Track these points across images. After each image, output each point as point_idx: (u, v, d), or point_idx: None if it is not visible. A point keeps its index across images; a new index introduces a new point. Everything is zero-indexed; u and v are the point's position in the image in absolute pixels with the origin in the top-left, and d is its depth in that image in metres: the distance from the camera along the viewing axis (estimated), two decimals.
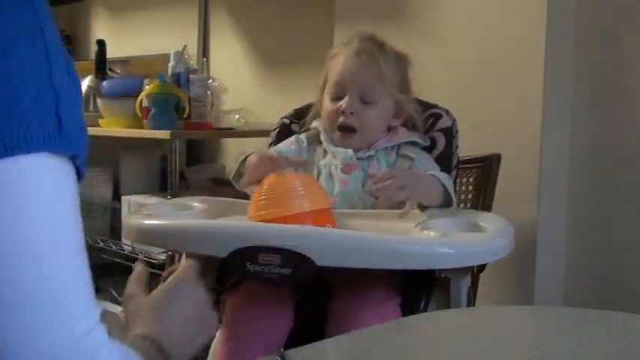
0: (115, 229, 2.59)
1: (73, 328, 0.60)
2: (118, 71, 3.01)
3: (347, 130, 1.39)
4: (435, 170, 1.38)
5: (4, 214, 0.57)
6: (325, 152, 1.42)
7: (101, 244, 2.52)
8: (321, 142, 1.44)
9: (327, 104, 1.42)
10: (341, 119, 1.38)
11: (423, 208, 1.32)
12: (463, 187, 1.66)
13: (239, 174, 1.38)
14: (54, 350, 0.59)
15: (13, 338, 0.57)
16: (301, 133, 1.50)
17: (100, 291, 2.66)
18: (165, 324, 0.84)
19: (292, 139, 1.48)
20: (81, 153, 0.62)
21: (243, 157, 1.39)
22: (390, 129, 1.44)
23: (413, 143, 1.43)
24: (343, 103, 1.38)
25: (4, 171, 0.56)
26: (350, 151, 1.39)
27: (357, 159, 1.39)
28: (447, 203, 1.34)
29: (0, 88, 0.57)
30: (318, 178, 1.41)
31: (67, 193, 0.62)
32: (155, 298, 0.88)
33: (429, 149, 1.45)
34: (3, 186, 0.57)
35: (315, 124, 1.48)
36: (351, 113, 1.38)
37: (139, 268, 0.96)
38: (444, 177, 1.35)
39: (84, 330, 0.61)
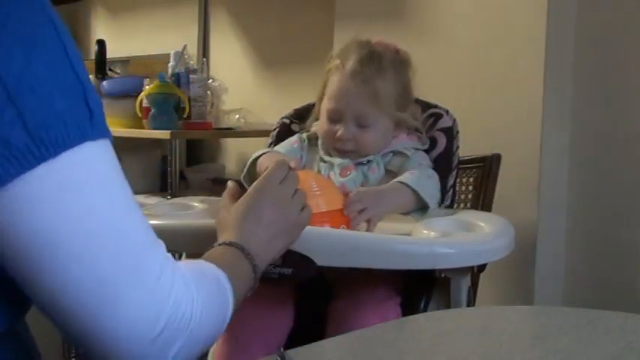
0: None
1: (149, 275, 0.66)
2: (118, 71, 3.02)
3: (345, 151, 1.38)
4: (419, 170, 1.35)
5: (73, 207, 0.62)
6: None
7: None
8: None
9: (324, 124, 1.39)
10: (338, 144, 1.37)
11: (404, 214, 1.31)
12: (463, 187, 1.66)
13: (249, 174, 1.38)
14: (139, 299, 0.64)
15: (99, 305, 0.63)
16: (302, 132, 1.50)
17: None
18: (248, 228, 0.91)
19: (295, 137, 1.47)
20: (110, 134, 0.67)
21: (253, 157, 1.38)
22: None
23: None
24: (339, 129, 1.36)
25: (55, 172, 0.60)
26: (346, 159, 1.38)
27: (357, 164, 1.38)
28: (422, 207, 1.31)
29: (31, 93, 0.59)
30: None
31: (117, 169, 0.67)
32: (239, 205, 0.95)
33: (429, 149, 1.45)
34: (58, 185, 0.61)
35: (314, 128, 1.47)
36: (348, 139, 1.36)
37: (230, 184, 1.04)
38: (418, 181, 1.31)
39: (157, 272, 0.66)
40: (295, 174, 1.00)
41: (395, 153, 1.40)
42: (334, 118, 1.37)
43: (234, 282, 0.79)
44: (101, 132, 0.65)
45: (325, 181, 1.30)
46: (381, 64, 1.36)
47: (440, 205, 1.40)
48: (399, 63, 1.39)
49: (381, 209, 1.25)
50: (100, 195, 0.64)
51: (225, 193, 1.02)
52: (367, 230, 1.22)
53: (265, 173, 0.98)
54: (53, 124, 0.60)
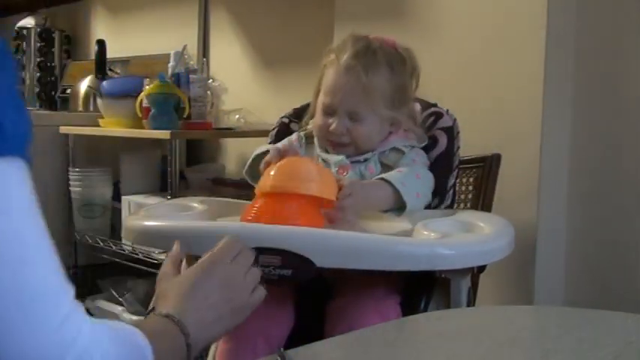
0: (115, 229, 2.59)
1: (49, 320, 0.60)
2: (118, 71, 3.02)
3: (339, 144, 1.38)
4: (408, 168, 1.34)
5: None
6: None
7: (101, 244, 2.52)
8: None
9: (318, 118, 1.40)
10: (332, 137, 1.37)
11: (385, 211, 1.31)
12: (463, 187, 1.66)
13: (252, 170, 1.38)
14: (35, 343, 0.59)
15: None
16: (300, 131, 1.50)
17: (100, 291, 2.66)
18: (191, 306, 0.83)
19: (294, 135, 1.47)
20: (27, 147, 0.61)
21: (256, 153, 1.39)
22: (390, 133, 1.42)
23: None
24: (333, 123, 1.36)
25: None
26: (342, 157, 1.38)
27: (353, 162, 1.38)
28: (401, 206, 1.30)
29: None
30: None
31: (24, 191, 0.61)
32: (184, 278, 0.87)
33: (429, 147, 1.44)
34: None
35: (310, 125, 1.47)
36: (342, 133, 1.36)
37: (174, 248, 0.96)
38: (403, 179, 1.30)
39: (60, 319, 0.61)
40: (250, 251, 0.93)
41: (391, 149, 1.40)
42: (328, 111, 1.37)
43: (159, 355, 0.72)
44: (12, 149, 0.58)
45: (326, 172, 1.30)
46: (376, 59, 1.35)
47: (439, 206, 1.40)
48: (396, 61, 1.38)
49: (362, 202, 1.25)
50: (7, 225, 0.58)
51: (168, 260, 0.94)
52: (344, 220, 1.22)
53: (217, 248, 0.91)
54: None
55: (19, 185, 0.60)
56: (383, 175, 1.32)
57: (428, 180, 1.36)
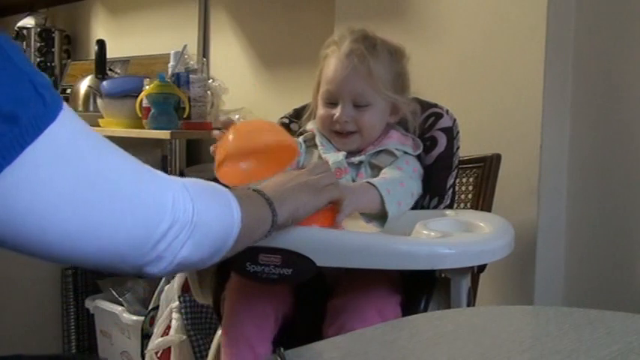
0: None
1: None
2: (118, 71, 3.02)
3: (344, 134, 1.38)
4: (395, 173, 1.35)
5: (74, 169, 0.67)
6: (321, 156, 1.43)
7: None
8: (316, 145, 1.44)
9: (321, 109, 1.40)
10: (337, 127, 1.38)
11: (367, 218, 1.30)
12: (463, 187, 1.66)
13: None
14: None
15: (99, 226, 0.70)
16: (298, 136, 1.50)
17: (100, 291, 2.66)
18: (277, 191, 1.02)
19: None
20: (61, 100, 0.69)
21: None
22: (387, 127, 1.43)
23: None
24: (337, 112, 1.36)
25: (40, 150, 0.64)
26: (341, 156, 1.38)
27: (348, 164, 1.38)
28: (381, 212, 1.29)
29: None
30: None
31: (84, 131, 0.71)
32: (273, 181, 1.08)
33: (429, 148, 1.44)
34: (52, 155, 0.65)
35: (310, 125, 1.47)
36: (346, 121, 1.37)
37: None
38: (387, 185, 1.30)
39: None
40: (332, 173, 1.18)
41: (383, 152, 1.40)
42: (331, 100, 1.38)
43: (244, 205, 0.87)
44: (57, 108, 0.66)
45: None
46: (375, 46, 1.37)
47: (438, 205, 1.40)
48: (393, 49, 1.40)
49: (354, 202, 1.22)
50: (87, 168, 0.68)
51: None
52: (339, 217, 1.19)
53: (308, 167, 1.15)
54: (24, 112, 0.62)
55: (79, 130, 0.70)
56: (370, 180, 1.32)
57: (411, 192, 1.36)
